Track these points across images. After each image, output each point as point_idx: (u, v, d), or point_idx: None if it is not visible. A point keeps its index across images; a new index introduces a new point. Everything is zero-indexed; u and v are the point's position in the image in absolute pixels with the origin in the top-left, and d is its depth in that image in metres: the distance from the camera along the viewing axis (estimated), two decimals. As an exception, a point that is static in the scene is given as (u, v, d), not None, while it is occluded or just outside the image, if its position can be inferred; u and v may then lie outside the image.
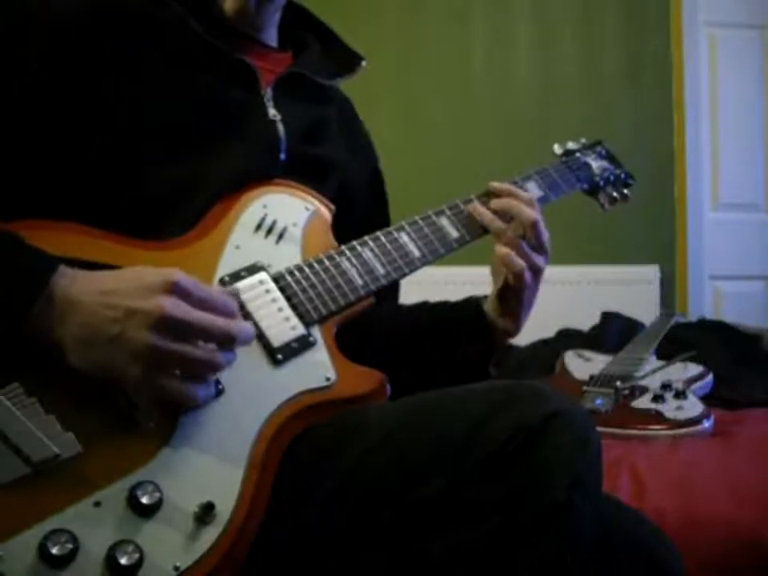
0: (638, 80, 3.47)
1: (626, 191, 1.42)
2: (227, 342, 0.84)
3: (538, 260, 1.13)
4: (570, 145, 1.40)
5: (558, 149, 1.38)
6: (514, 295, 1.13)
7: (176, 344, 0.80)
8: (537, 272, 1.13)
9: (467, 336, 1.17)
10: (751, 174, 3.55)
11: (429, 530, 0.79)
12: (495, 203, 1.16)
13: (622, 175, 1.42)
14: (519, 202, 1.14)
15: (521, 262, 1.10)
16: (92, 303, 0.80)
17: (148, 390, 0.81)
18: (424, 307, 1.27)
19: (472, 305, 1.20)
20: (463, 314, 1.20)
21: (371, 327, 1.03)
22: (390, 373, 0.98)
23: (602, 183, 1.39)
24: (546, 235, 1.14)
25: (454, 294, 1.23)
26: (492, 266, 1.15)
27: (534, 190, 1.23)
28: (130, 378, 0.80)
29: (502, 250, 1.11)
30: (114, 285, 0.82)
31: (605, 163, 1.41)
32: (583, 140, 1.43)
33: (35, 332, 0.80)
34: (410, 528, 0.80)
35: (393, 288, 1.16)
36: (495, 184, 1.18)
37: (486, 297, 1.19)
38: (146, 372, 0.79)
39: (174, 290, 0.81)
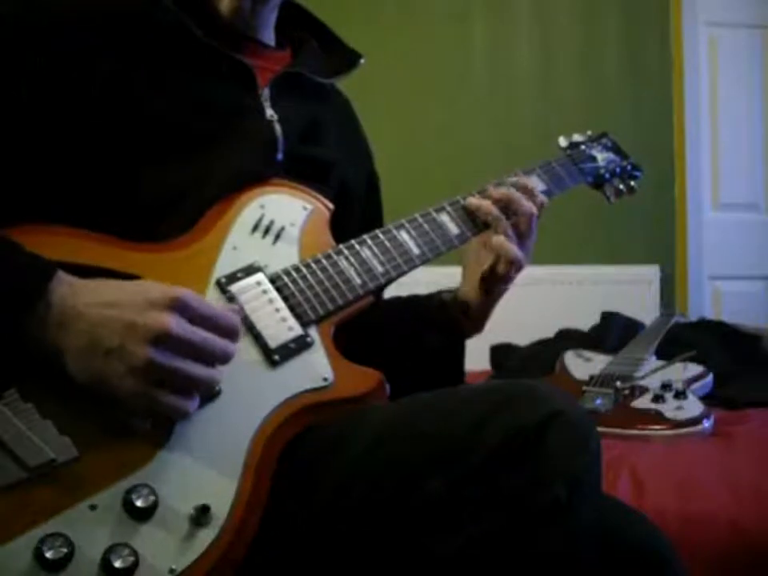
0: (637, 80, 3.47)
1: (632, 183, 1.40)
2: (225, 361, 0.85)
3: (527, 253, 1.13)
4: (576, 137, 1.39)
5: (563, 141, 1.37)
6: (494, 285, 1.14)
7: (175, 361, 0.80)
8: (519, 268, 1.13)
9: (431, 329, 1.18)
10: (751, 174, 3.55)
11: (428, 530, 0.79)
12: (496, 192, 1.15)
13: (629, 167, 1.41)
14: (520, 193, 1.15)
15: (515, 250, 1.11)
16: (94, 314, 0.80)
17: (141, 402, 0.81)
18: (393, 303, 1.27)
19: (435, 299, 1.21)
20: (427, 309, 1.20)
21: (359, 325, 1.03)
22: (378, 369, 0.97)
23: (607, 176, 1.37)
24: (534, 233, 1.14)
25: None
26: (473, 253, 1.16)
27: (536, 183, 1.22)
28: (124, 390, 0.79)
29: (498, 238, 1.11)
30: (116, 297, 0.81)
31: (611, 155, 1.40)
32: (589, 132, 1.41)
33: (34, 338, 0.79)
34: (409, 528, 0.80)
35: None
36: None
37: (449, 291, 1.20)
38: (141, 386, 0.79)
39: (178, 306, 0.81)
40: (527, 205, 1.14)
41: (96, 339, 0.79)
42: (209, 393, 0.85)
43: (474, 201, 1.15)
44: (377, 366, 0.97)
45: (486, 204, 1.13)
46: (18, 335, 0.79)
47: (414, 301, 1.25)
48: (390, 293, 1.23)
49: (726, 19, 3.54)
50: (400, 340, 1.19)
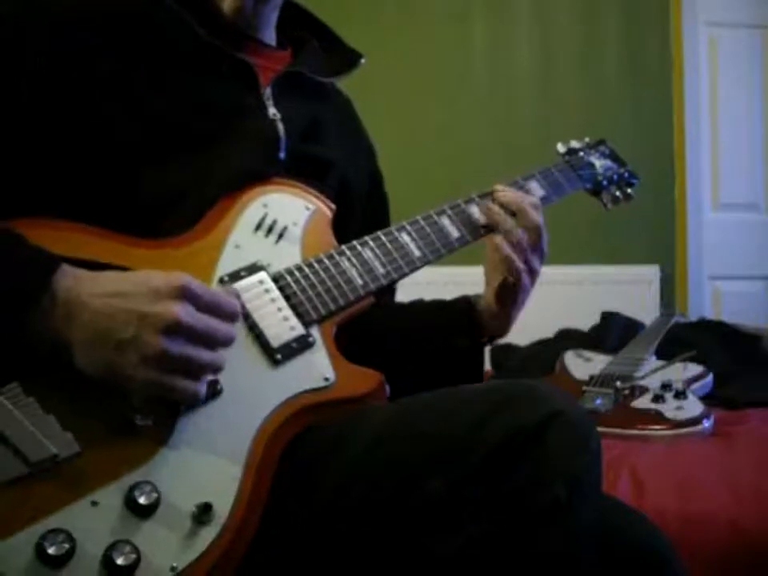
0: (638, 80, 3.47)
1: (629, 191, 1.41)
2: (229, 344, 0.85)
3: (536, 263, 1.14)
4: (574, 144, 1.39)
5: (561, 148, 1.37)
6: (510, 295, 1.14)
7: (186, 349, 0.81)
8: (534, 274, 1.14)
9: (456, 333, 1.18)
10: (751, 174, 3.55)
11: (428, 530, 0.80)
12: (503, 197, 1.15)
13: (626, 174, 1.41)
14: (526, 205, 1.15)
15: (522, 265, 1.11)
16: (102, 305, 0.80)
17: (154, 391, 0.81)
18: (416, 305, 1.27)
19: (462, 303, 1.21)
20: (453, 312, 1.20)
21: (366, 325, 1.03)
22: (385, 371, 0.98)
23: (605, 183, 1.38)
24: (545, 239, 1.15)
25: (454, 294, 1.23)
26: (489, 263, 1.16)
27: (536, 189, 1.22)
28: (137, 380, 0.80)
29: (506, 249, 1.11)
30: (122, 287, 0.82)
31: (608, 162, 1.40)
32: (587, 139, 1.42)
33: (38, 332, 0.80)
34: (409, 528, 0.80)
35: (389, 286, 1.16)
36: (500, 188, 1.17)
37: (477, 295, 1.20)
38: (154, 375, 0.80)
39: (184, 294, 0.81)
40: (533, 214, 1.14)
41: (105, 330, 0.79)
42: (214, 376, 0.86)
43: (492, 207, 1.14)
44: (392, 371, 0.98)
45: (499, 213, 1.13)
46: (23, 330, 0.79)
47: (437, 305, 1.24)
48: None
49: (726, 19, 3.54)
50: (420, 344, 1.20)
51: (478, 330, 1.18)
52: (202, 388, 0.84)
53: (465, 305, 1.20)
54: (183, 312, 0.80)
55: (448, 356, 1.18)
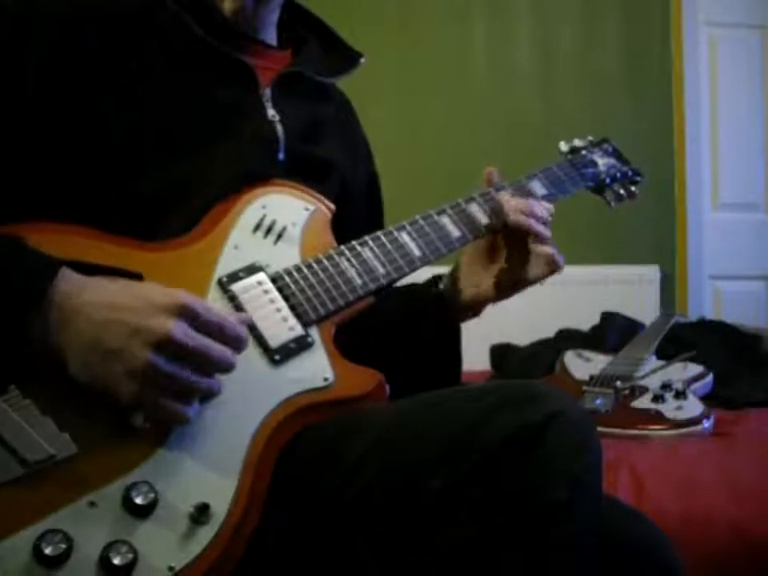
0: (637, 80, 3.47)
1: (633, 188, 1.40)
2: (227, 371, 0.84)
3: (561, 260, 1.17)
4: (576, 142, 1.38)
5: (564, 146, 1.37)
6: (521, 288, 1.16)
7: (175, 367, 0.80)
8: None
9: (422, 319, 1.18)
10: (751, 174, 3.55)
11: (429, 528, 0.79)
12: (516, 201, 1.14)
13: (629, 172, 1.41)
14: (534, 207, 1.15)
15: (560, 260, 1.14)
16: (96, 314, 0.80)
17: (138, 404, 0.81)
18: (389, 292, 1.26)
19: (428, 285, 1.21)
20: (419, 298, 1.20)
21: (354, 322, 1.03)
22: (376, 366, 0.97)
23: (608, 181, 1.37)
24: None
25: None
26: (476, 257, 1.17)
27: (538, 189, 1.22)
28: (122, 392, 0.79)
29: (545, 249, 1.14)
30: (122, 300, 0.81)
31: (611, 160, 1.39)
32: (590, 137, 1.41)
33: (38, 336, 0.80)
34: (410, 527, 0.80)
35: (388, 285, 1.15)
36: (505, 196, 1.17)
37: (442, 276, 1.20)
38: (140, 389, 0.79)
39: (182, 312, 0.81)
40: (540, 209, 1.14)
41: (97, 340, 0.79)
42: (207, 399, 0.85)
43: (504, 197, 1.14)
44: (373, 356, 0.98)
45: (525, 218, 1.13)
46: (22, 335, 0.79)
47: (408, 291, 1.23)
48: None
49: (726, 19, 3.54)
50: (395, 330, 1.19)
51: (448, 311, 1.18)
52: (191, 411, 0.82)
53: (433, 289, 1.20)
54: (178, 329, 0.79)
55: (419, 341, 1.17)
